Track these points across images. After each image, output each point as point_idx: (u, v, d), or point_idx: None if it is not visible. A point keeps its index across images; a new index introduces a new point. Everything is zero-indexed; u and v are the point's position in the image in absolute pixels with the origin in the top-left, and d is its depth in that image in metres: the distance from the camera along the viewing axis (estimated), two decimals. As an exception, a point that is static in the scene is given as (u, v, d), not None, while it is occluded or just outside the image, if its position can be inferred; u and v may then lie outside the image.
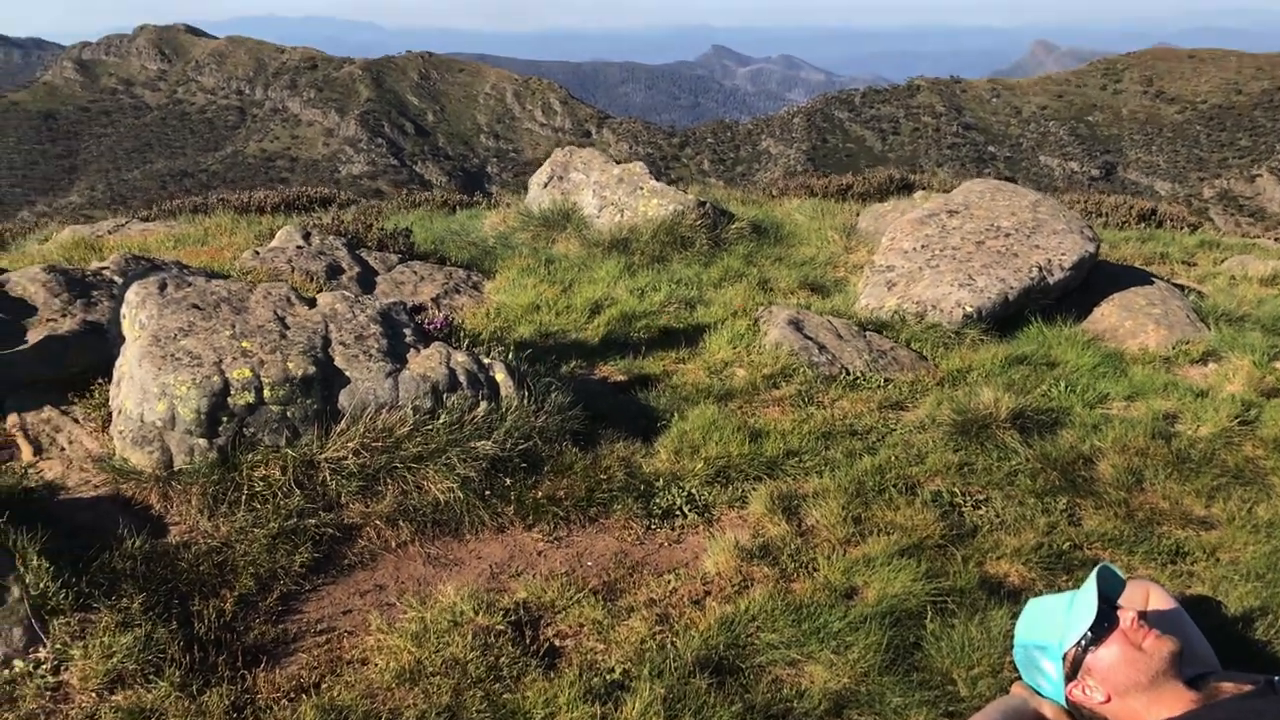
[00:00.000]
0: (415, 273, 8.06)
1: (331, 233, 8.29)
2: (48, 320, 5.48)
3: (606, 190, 9.61)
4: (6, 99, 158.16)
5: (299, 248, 7.81)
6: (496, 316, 7.20)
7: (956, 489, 4.73)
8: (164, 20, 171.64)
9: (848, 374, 6.14)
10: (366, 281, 7.72)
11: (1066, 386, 6.06)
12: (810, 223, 10.27)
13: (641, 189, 9.46)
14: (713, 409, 5.44)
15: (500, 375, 4.98)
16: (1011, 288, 7.22)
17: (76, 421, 4.59)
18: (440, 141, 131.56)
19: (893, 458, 5.02)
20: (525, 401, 4.88)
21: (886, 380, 6.11)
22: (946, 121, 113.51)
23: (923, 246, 7.82)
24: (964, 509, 4.56)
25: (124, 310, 4.81)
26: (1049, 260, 7.50)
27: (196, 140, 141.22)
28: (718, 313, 7.24)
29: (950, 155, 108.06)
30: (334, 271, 7.59)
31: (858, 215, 10.38)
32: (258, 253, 7.61)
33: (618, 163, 10.02)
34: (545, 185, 10.30)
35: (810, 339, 6.44)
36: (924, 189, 12.31)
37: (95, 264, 6.52)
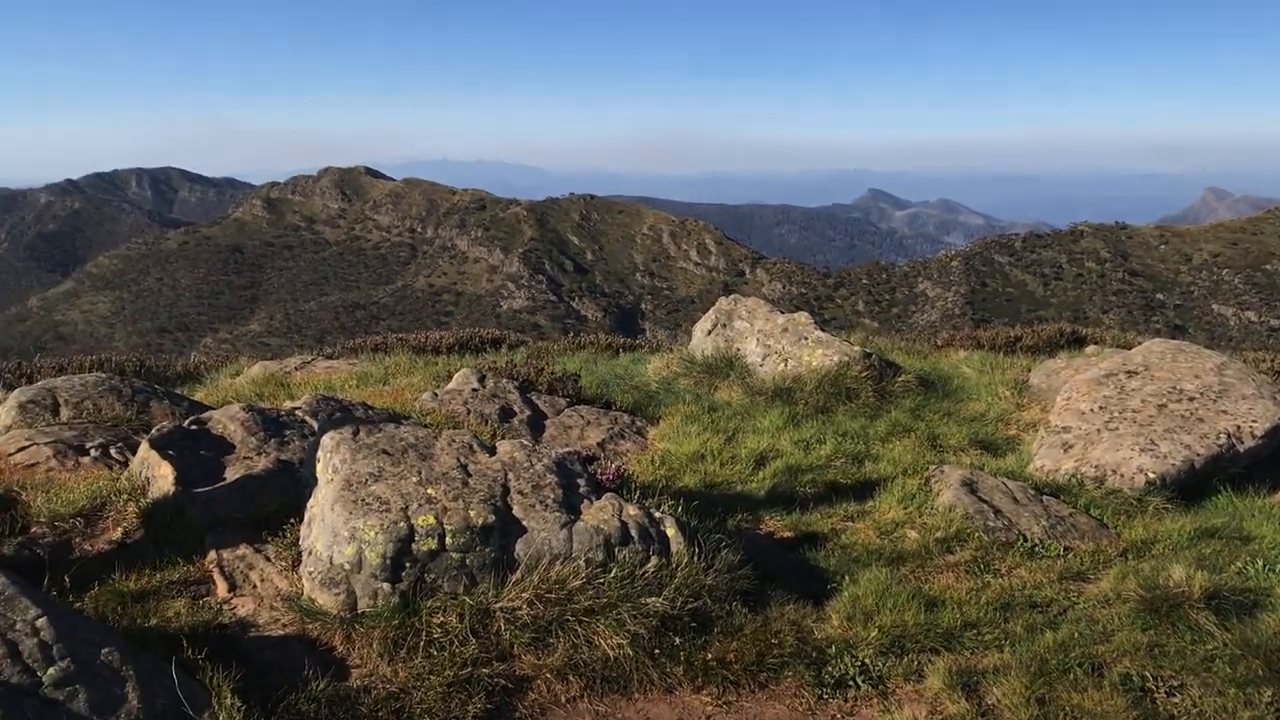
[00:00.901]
0: (582, 417, 8.23)
1: (505, 376, 8.57)
2: (244, 458, 5.79)
3: (771, 339, 9.70)
4: (200, 233, 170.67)
5: (474, 390, 8.10)
6: (661, 465, 7.26)
7: (1148, 672, 4.47)
8: (347, 163, 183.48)
9: (1025, 541, 5.93)
10: (536, 424, 7.92)
11: (1265, 565, 5.70)
12: (979, 376, 10.10)
13: (806, 339, 9.51)
14: (885, 573, 5.32)
15: (671, 530, 5.00)
16: (1198, 455, 6.91)
17: (268, 559, 4.80)
18: (598, 279, 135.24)
19: (1076, 634, 4.79)
20: (695, 558, 4.88)
21: (1066, 549, 5.88)
22: (1112, 268, 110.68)
23: (1100, 408, 7.59)
24: (1157, 695, 4.30)
25: (319, 454, 5.05)
26: (1238, 427, 7.17)
27: (370, 274, 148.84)
28: (886, 470, 7.13)
29: (1116, 302, 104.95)
30: (506, 414, 7.82)
31: (1028, 370, 10.16)
32: (436, 394, 7.92)
33: (782, 312, 10.12)
34: (709, 332, 10.46)
35: (985, 502, 6.27)
36: (1096, 344, 11.99)
37: (288, 403, 6.89)
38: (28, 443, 6.62)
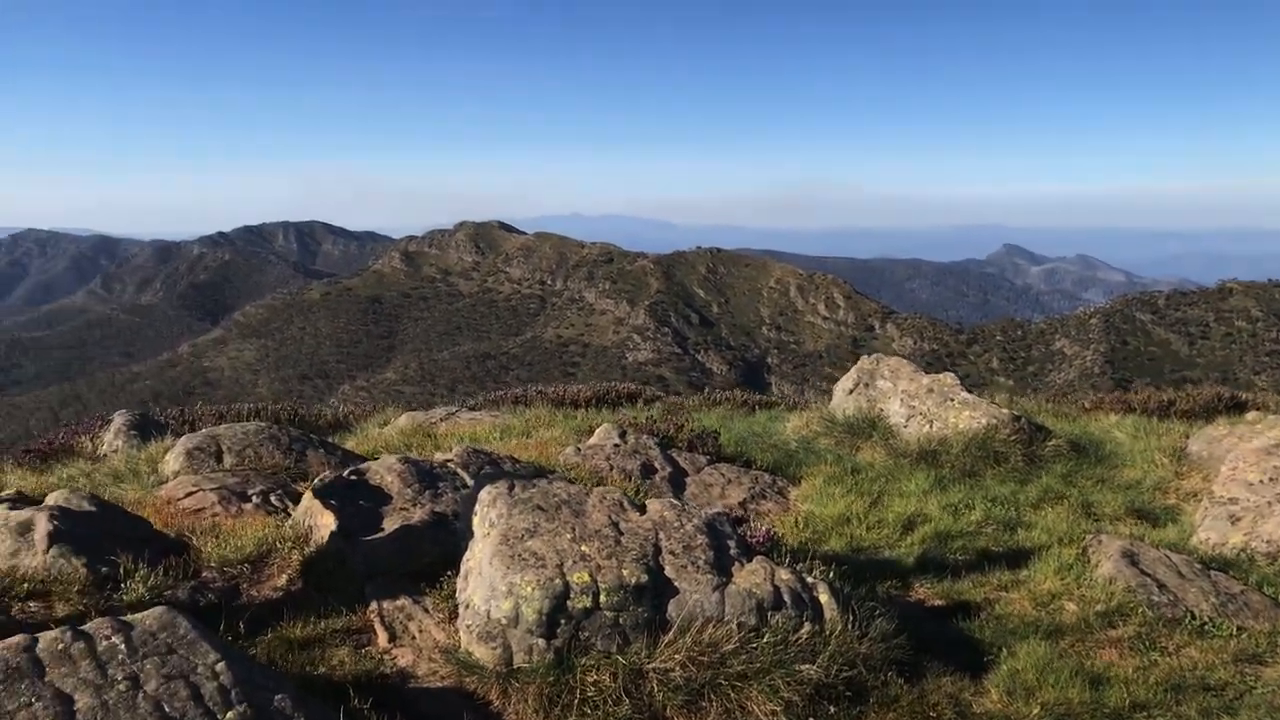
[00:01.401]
0: (723, 475, 8.21)
1: (645, 432, 8.62)
2: (401, 509, 5.94)
3: (915, 400, 9.54)
4: (341, 284, 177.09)
5: (616, 446, 8.17)
6: (805, 527, 7.18)
7: (1337, 766, 4.20)
8: (481, 218, 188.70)
9: (1193, 618, 5.65)
10: (677, 482, 7.93)
11: None
12: (1133, 442, 9.73)
13: (952, 400, 9.33)
14: (1043, 646, 5.13)
15: (824, 596, 4.93)
16: (1381, 531, 6.51)
17: (426, 611, 4.90)
18: (723, 332, 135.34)
19: (1256, 721, 4.54)
20: (849, 626, 4.79)
21: (1239, 629, 5.58)
22: (1264, 327, 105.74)
23: (1270, 479, 7.22)
24: (1349, 792, 4.03)
25: (476, 508, 5.15)
26: None
27: (500, 325, 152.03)
28: (1040, 538, 6.91)
29: (1269, 363, 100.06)
30: (647, 471, 7.86)
31: (1186, 437, 9.73)
32: (579, 449, 8.01)
33: (926, 372, 9.95)
34: (850, 391, 10.35)
35: (1147, 575, 6.01)
36: (1259, 409, 11.43)
37: (439, 456, 7.05)
38: (195, 488, 6.93)
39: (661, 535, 5.03)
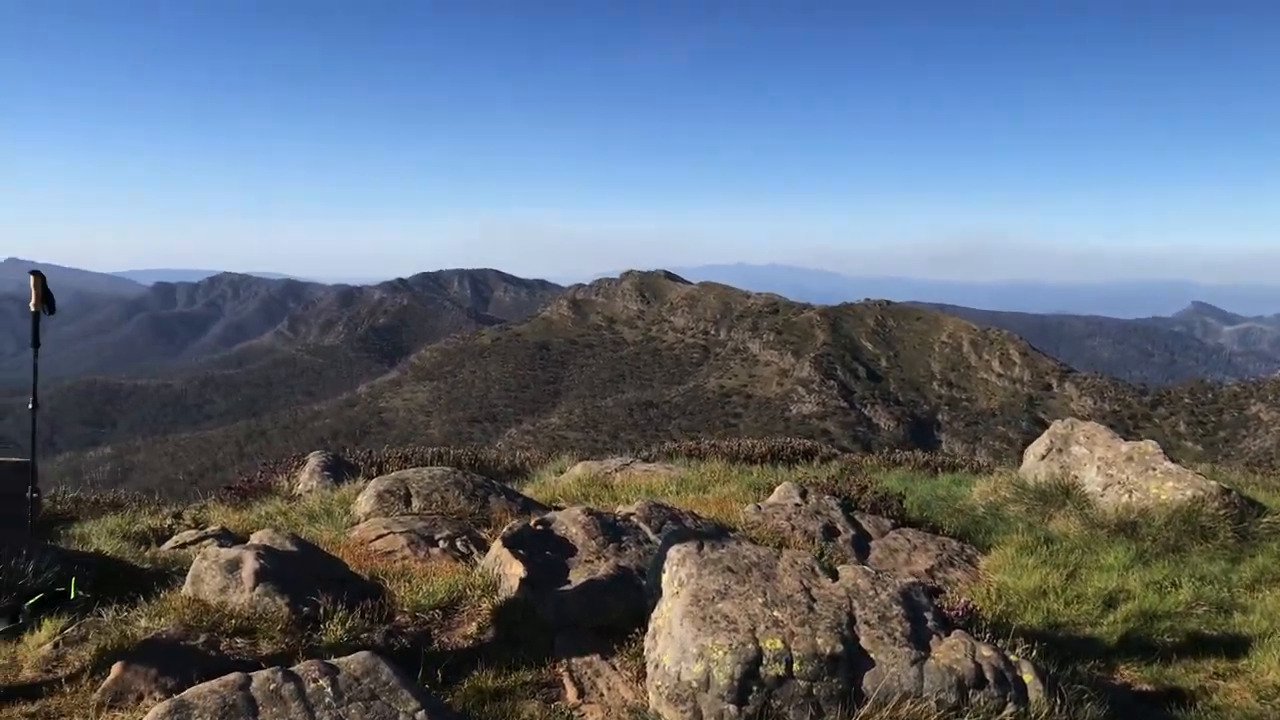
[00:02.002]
0: (908, 540, 7.95)
1: (826, 492, 8.44)
2: (586, 561, 5.95)
3: (1112, 468, 9.05)
4: (511, 330, 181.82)
5: (797, 505, 8.01)
6: (998, 599, 6.85)
7: None
8: (647, 267, 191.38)
9: None
10: (860, 545, 7.71)
11: None
12: (1358, 522, 8.96)
13: (1154, 469, 8.81)
14: (1273, 745, 4.73)
15: (1028, 676, 4.66)
16: None
17: (614, 668, 4.86)
18: (891, 386, 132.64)
19: None
20: (1056, 709, 4.52)
21: None
22: None
23: None
24: None
25: (664, 566, 5.10)
26: None
27: (663, 374, 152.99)
28: (1259, 624, 6.40)
29: None
30: (830, 533, 7.67)
31: None
32: (759, 507, 7.90)
33: (1125, 438, 9.44)
34: (1042, 456, 9.90)
35: (1389, 672, 5.49)
36: None
37: (621, 509, 7.05)
38: (385, 530, 7.12)
39: (855, 604, 4.87)
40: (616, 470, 10.64)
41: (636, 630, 5.07)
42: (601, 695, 4.68)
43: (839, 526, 7.82)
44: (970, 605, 5.69)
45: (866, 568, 5.36)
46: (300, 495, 9.52)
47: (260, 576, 5.17)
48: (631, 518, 6.75)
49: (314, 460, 10.35)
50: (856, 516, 8.20)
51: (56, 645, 4.63)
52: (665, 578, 5.06)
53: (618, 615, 5.28)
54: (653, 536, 6.49)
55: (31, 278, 6.45)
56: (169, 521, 8.15)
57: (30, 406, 6.71)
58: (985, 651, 4.69)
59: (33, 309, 6.46)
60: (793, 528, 7.55)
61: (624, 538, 6.39)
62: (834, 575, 5.17)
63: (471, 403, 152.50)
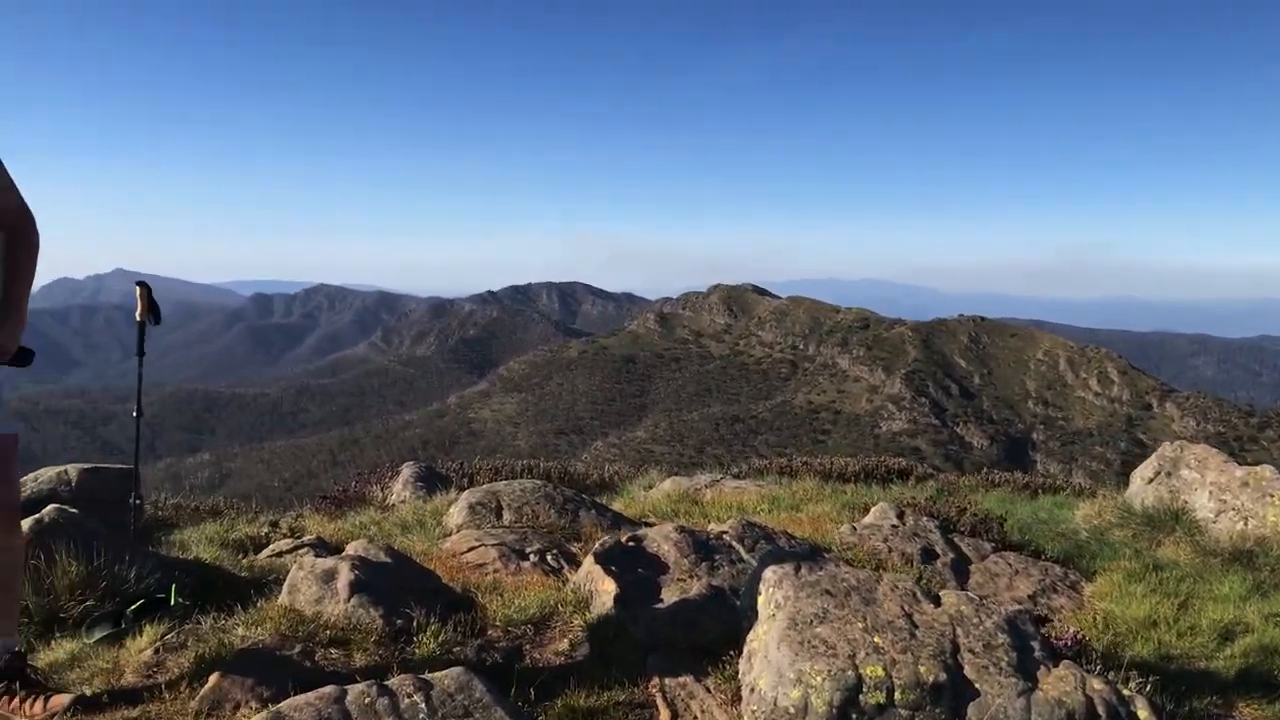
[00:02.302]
0: (1009, 565, 7.70)
1: (924, 513, 8.24)
2: (678, 580, 5.86)
3: (1226, 493, 8.68)
4: (598, 343, 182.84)
5: (893, 526, 7.83)
6: (1105, 628, 6.58)
7: None
8: (735, 280, 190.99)
9: None
10: (960, 569, 7.49)
11: None
12: None
13: (1271, 496, 8.42)
14: None
15: (1143, 712, 4.44)
16: None
17: (708, 691, 4.76)
18: (984, 404, 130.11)
19: None
20: (1174, 749, 4.30)
21: None
22: None
23: None
24: None
25: (760, 587, 4.99)
26: None
27: (750, 389, 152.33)
28: (1393, 664, 6.05)
29: None
30: (928, 555, 7.47)
31: None
32: (854, 528, 7.73)
33: (1240, 463, 9.05)
34: (1150, 480, 9.54)
35: None
36: None
37: (713, 526, 6.95)
38: (477, 543, 7.12)
39: (959, 631, 4.70)
40: (706, 487, 10.53)
41: (731, 652, 4.97)
42: (695, 718, 4.58)
43: (937, 549, 7.61)
44: (1079, 635, 5.47)
45: (970, 594, 5.18)
46: (393, 505, 9.60)
47: (355, 588, 5.19)
48: (724, 536, 6.64)
49: (407, 471, 10.44)
50: (955, 539, 7.98)
51: (157, 651, 4.68)
52: (761, 599, 4.95)
53: (711, 636, 5.18)
54: (746, 556, 6.37)
55: (138, 289, 6.60)
56: (266, 530, 8.27)
57: (135, 414, 6.88)
58: (1096, 684, 4.48)
59: (138, 319, 6.62)
60: (890, 549, 7.37)
61: (716, 556, 6.28)
62: (936, 601, 5.00)
63: (558, 415, 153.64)
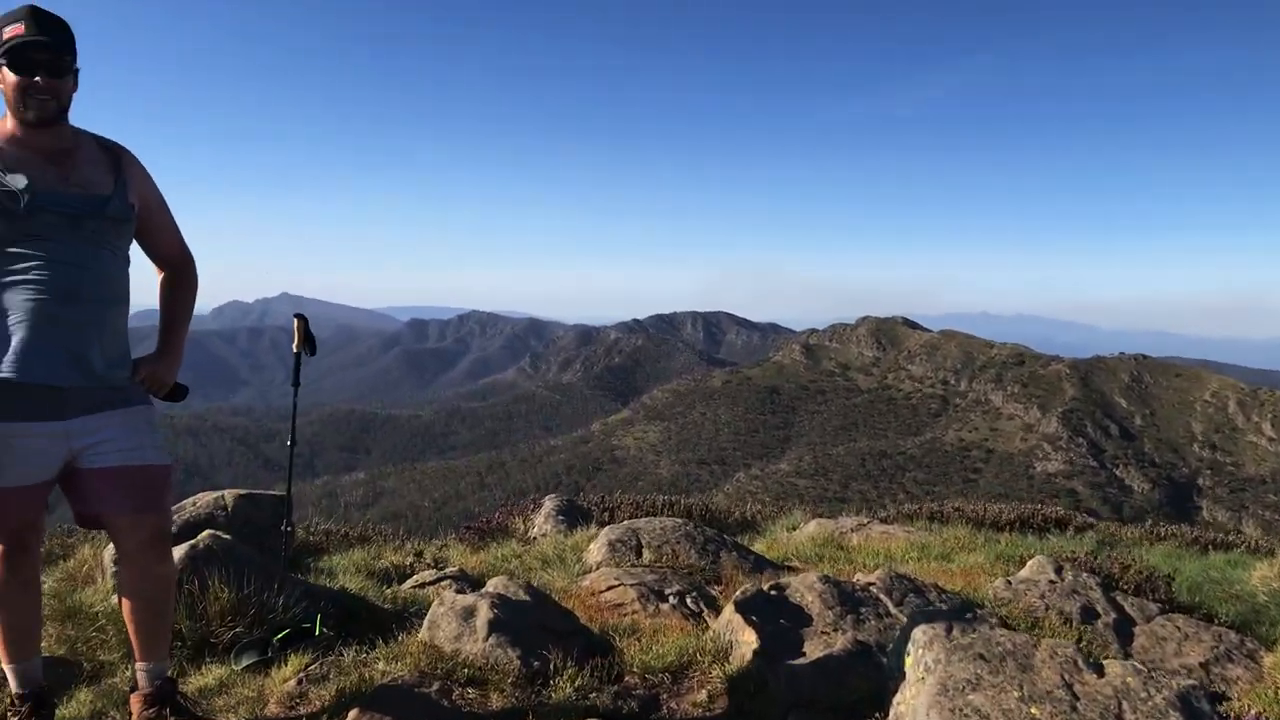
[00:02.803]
0: (1178, 629, 7.19)
1: (1084, 569, 7.79)
2: (822, 633, 5.65)
3: None
4: (742, 373, 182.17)
5: (1051, 582, 7.42)
6: (1289, 705, 6.08)
7: None
8: (885, 313, 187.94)
9: None
10: (1123, 630, 7.04)
11: None
12: None
13: None
14: None
15: (1336, 809, 4.05)
16: None
17: (854, 755, 4.55)
18: (1146, 447, 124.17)
19: None
20: None
21: None
22: None
23: None
24: None
25: (908, 647, 4.77)
26: None
27: (899, 424, 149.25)
28: None
29: None
30: (1088, 615, 7.04)
31: None
32: (1009, 582, 7.36)
33: None
34: (1336, 542, 8.85)
35: None
36: None
37: (860, 577, 6.72)
38: (616, 582, 7.05)
39: (1125, 705, 4.37)
40: (852, 530, 10.24)
41: (875, 714, 4.75)
42: (837, 785, 4.39)
43: (1099, 608, 7.17)
44: (1261, 716, 5.03)
45: (1136, 664, 4.83)
46: (535, 539, 9.64)
47: (493, 626, 5.17)
48: (871, 587, 6.39)
49: (549, 504, 10.48)
50: (1118, 597, 7.51)
51: (300, 682, 4.74)
52: (909, 660, 4.73)
53: (855, 695, 4.96)
54: (893, 610, 6.12)
55: (295, 320, 6.77)
56: (411, 559, 8.39)
57: (289, 443, 7.05)
58: (1283, 775, 4.11)
59: (295, 350, 6.79)
60: (1047, 607, 6.97)
61: (862, 609, 6.05)
62: (1099, 670, 4.68)
63: (701, 445, 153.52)
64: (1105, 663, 4.79)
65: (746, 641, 5.39)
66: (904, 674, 4.71)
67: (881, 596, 6.33)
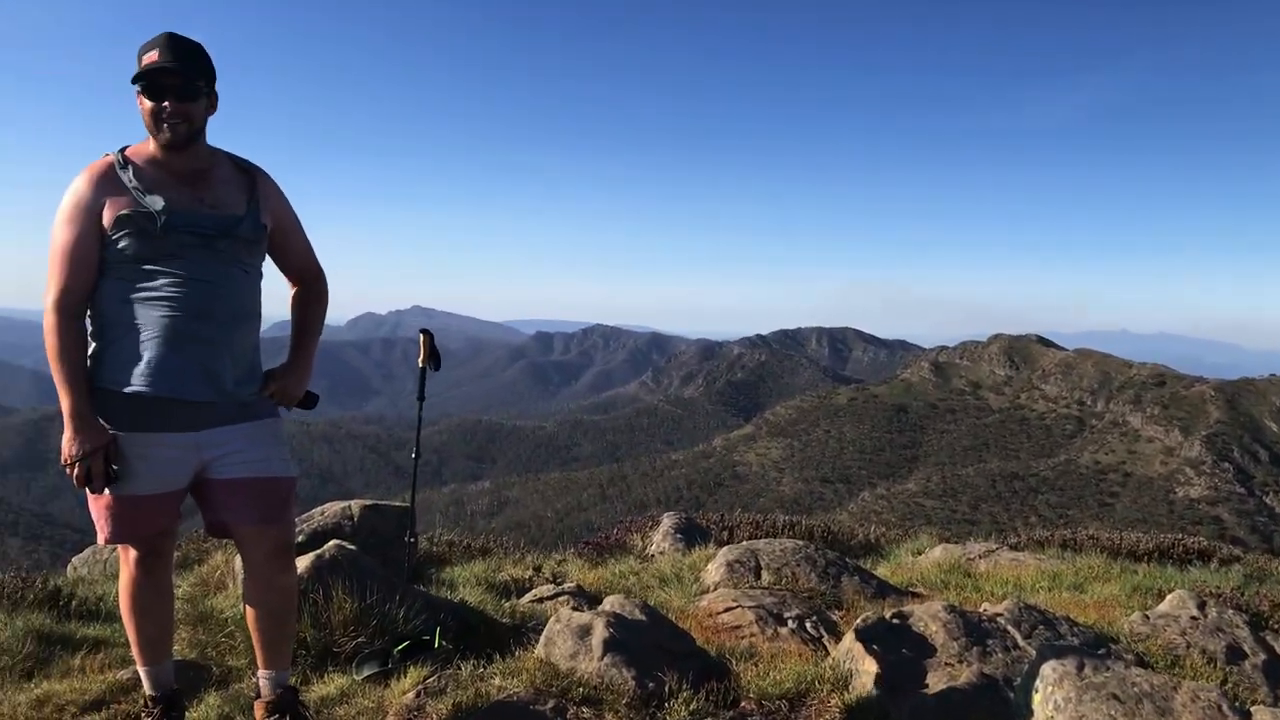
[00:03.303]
0: (1333, 672, 6.76)
1: (1229, 605, 7.38)
2: (946, 665, 5.47)
3: None
4: (868, 390, 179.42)
5: (1193, 618, 7.04)
6: None
7: None
8: (1018, 331, 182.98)
9: None
10: (1272, 674, 6.64)
11: None
12: None
13: None
14: None
15: None
16: None
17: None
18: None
19: None
20: None
21: None
22: None
23: None
24: None
25: (1037, 684, 4.58)
26: None
27: (1031, 445, 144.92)
28: None
29: None
30: (1234, 655, 6.66)
31: None
32: (1147, 617, 7.01)
33: None
34: None
35: None
36: None
37: (986, 607, 6.49)
38: (734, 604, 6.96)
39: (1274, 757, 4.11)
40: (980, 556, 9.92)
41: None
42: (960, 825, 4.22)
43: (1245, 648, 6.78)
44: None
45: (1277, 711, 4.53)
46: (653, 556, 9.60)
47: (609, 646, 5.14)
48: (998, 618, 6.16)
49: (667, 522, 10.43)
50: (1268, 637, 7.08)
51: (419, 694, 4.78)
52: (1038, 698, 4.53)
53: (987, 731, 4.78)
54: (1022, 643, 5.89)
55: (421, 336, 6.90)
56: (529, 573, 8.45)
57: (413, 455, 7.18)
58: None
59: (420, 365, 6.91)
60: (1188, 645, 6.62)
61: (989, 641, 5.83)
62: (1246, 717, 4.41)
63: (824, 462, 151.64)
64: (1253, 709, 4.52)
65: (866, 671, 5.25)
66: (1032, 711, 4.51)
67: (1009, 628, 6.10)
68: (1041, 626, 6.28)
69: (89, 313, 3.72)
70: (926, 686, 5.25)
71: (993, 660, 5.66)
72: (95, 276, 3.67)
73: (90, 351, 3.71)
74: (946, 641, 5.76)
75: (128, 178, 3.63)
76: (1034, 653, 5.64)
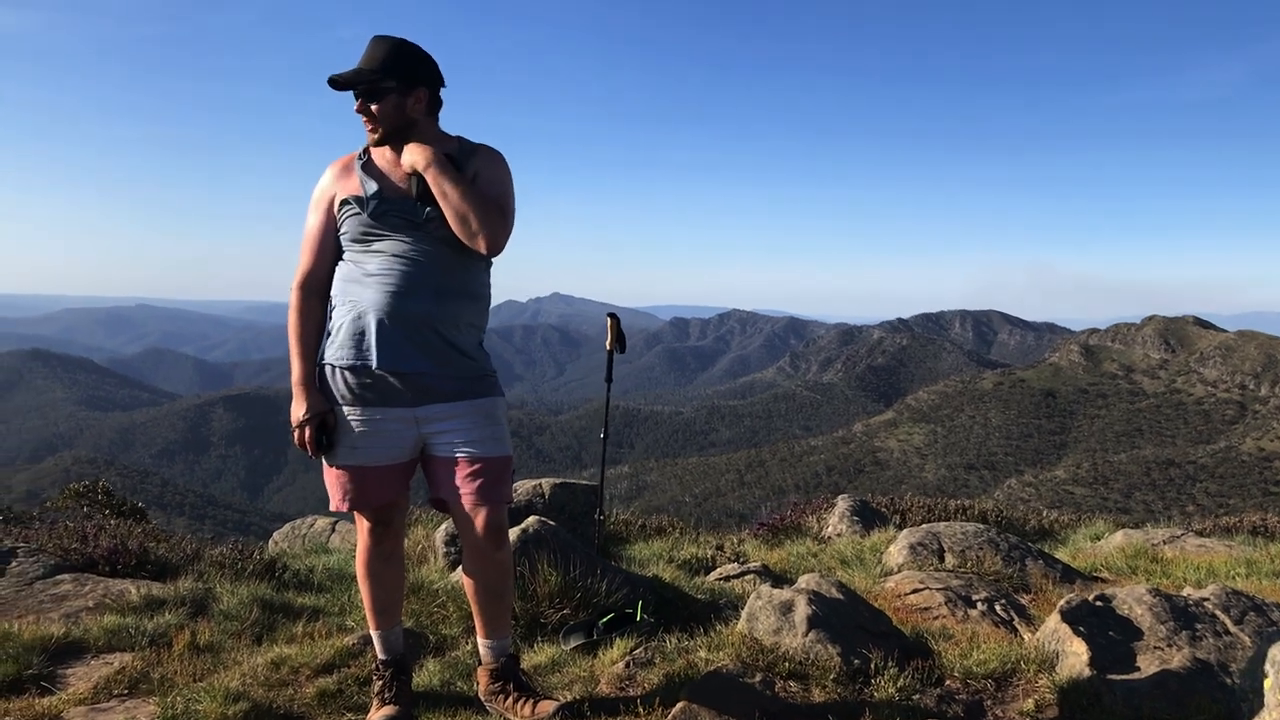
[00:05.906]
0: None
1: None
2: (1155, 648, 5.36)
3: None
4: (1015, 374, 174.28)
5: None
6: None
7: None
8: (1174, 312, 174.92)
9: None
10: None
11: None
12: None
13: None
14: None
15: None
16: None
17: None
18: None
19: None
20: None
21: None
22: None
23: None
24: None
25: (1266, 667, 4.45)
26: None
27: (1188, 431, 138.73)
28: None
29: None
30: None
31: None
32: (1361, 606, 6.73)
33: None
34: None
35: None
36: None
37: (1192, 592, 6.31)
38: (921, 585, 6.94)
39: None
40: (1165, 543, 9.63)
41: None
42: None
43: None
44: None
45: None
46: (829, 538, 9.62)
47: (812, 622, 5.21)
48: (1205, 603, 5.99)
49: (842, 504, 10.42)
50: None
51: (628, 665, 4.93)
52: (1269, 683, 4.41)
53: (1200, 718, 4.68)
54: (1232, 628, 5.72)
55: (608, 320, 7.08)
56: (711, 552, 8.57)
57: (602, 436, 7.37)
58: None
59: (608, 348, 7.09)
60: None
61: (1198, 625, 5.68)
62: None
63: (969, 449, 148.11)
64: None
65: (1075, 652, 5.18)
66: (1261, 699, 4.39)
67: (1218, 613, 5.93)
68: (1252, 612, 6.08)
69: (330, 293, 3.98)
70: (1138, 669, 5.15)
71: (1203, 645, 5.52)
72: (333, 259, 3.94)
73: (327, 329, 3.98)
74: (1154, 625, 5.64)
75: (359, 168, 3.91)
76: (1248, 639, 5.49)
